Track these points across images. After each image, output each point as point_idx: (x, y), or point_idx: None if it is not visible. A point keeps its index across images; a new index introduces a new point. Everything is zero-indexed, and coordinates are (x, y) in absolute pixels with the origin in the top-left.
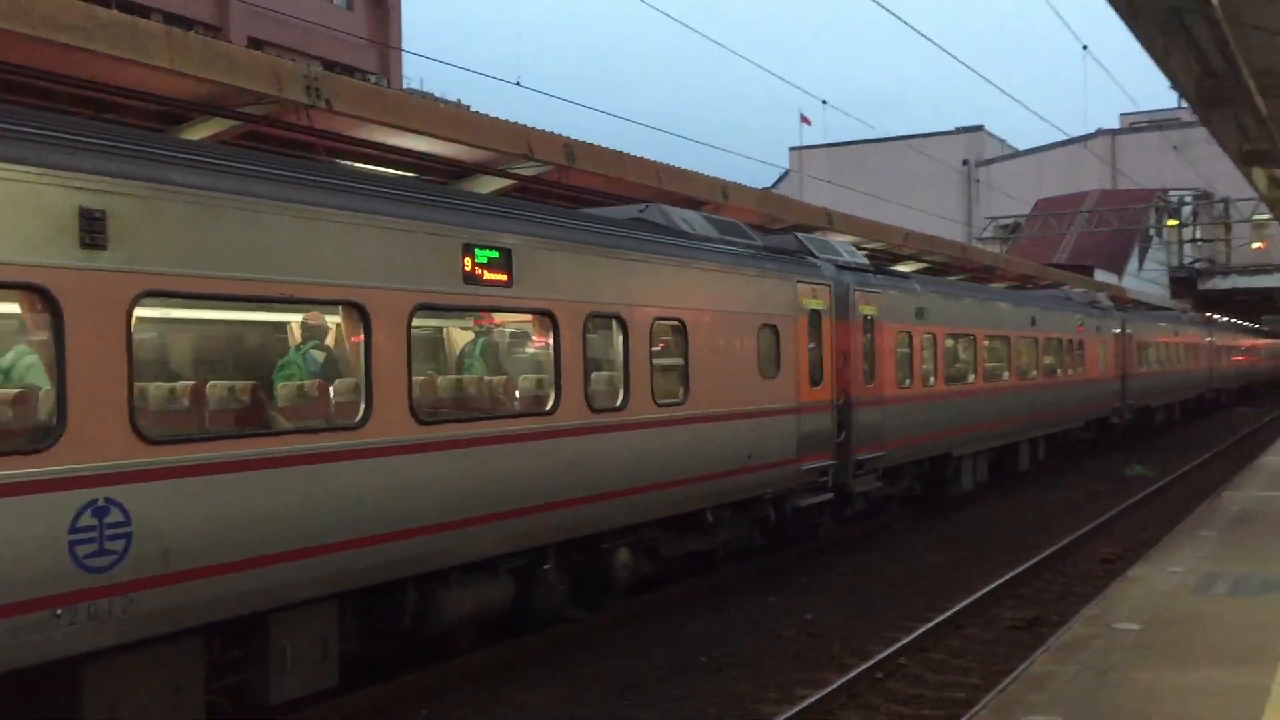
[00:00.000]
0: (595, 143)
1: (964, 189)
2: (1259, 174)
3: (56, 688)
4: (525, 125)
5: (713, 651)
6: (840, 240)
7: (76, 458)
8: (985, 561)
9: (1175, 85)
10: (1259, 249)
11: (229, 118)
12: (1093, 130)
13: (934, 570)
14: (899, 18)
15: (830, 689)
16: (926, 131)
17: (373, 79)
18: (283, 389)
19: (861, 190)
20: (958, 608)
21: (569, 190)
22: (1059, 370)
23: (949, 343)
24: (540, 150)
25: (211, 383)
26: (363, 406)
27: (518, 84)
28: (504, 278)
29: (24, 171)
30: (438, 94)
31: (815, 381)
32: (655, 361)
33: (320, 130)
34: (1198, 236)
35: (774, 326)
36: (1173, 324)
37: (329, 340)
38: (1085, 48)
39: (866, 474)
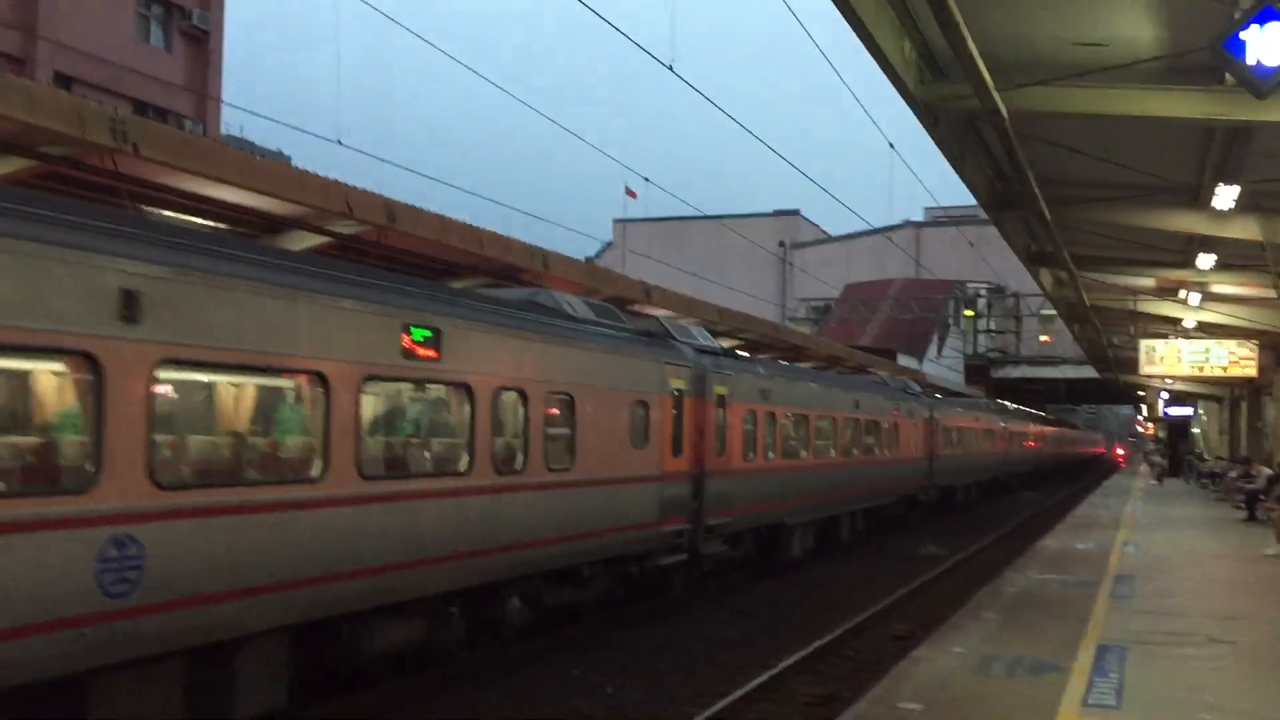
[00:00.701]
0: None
1: (778, 269)
2: (1044, 274)
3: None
4: (344, 183)
5: None
6: (693, 325)
7: (109, 499)
8: (782, 636)
9: (970, 187)
10: (1045, 341)
11: (27, 156)
12: (900, 221)
13: (731, 644)
14: (712, 102)
15: None
16: (745, 212)
17: (188, 124)
18: (264, 443)
19: (681, 266)
20: (754, 684)
21: (388, 251)
22: (877, 449)
23: (786, 421)
24: (360, 209)
25: (211, 437)
26: (319, 463)
27: (339, 142)
28: (434, 354)
29: (80, 254)
30: (257, 142)
31: (676, 452)
32: (548, 430)
33: (125, 175)
34: (991, 327)
35: (645, 402)
36: (973, 410)
37: (302, 404)
38: (891, 145)
39: (715, 538)
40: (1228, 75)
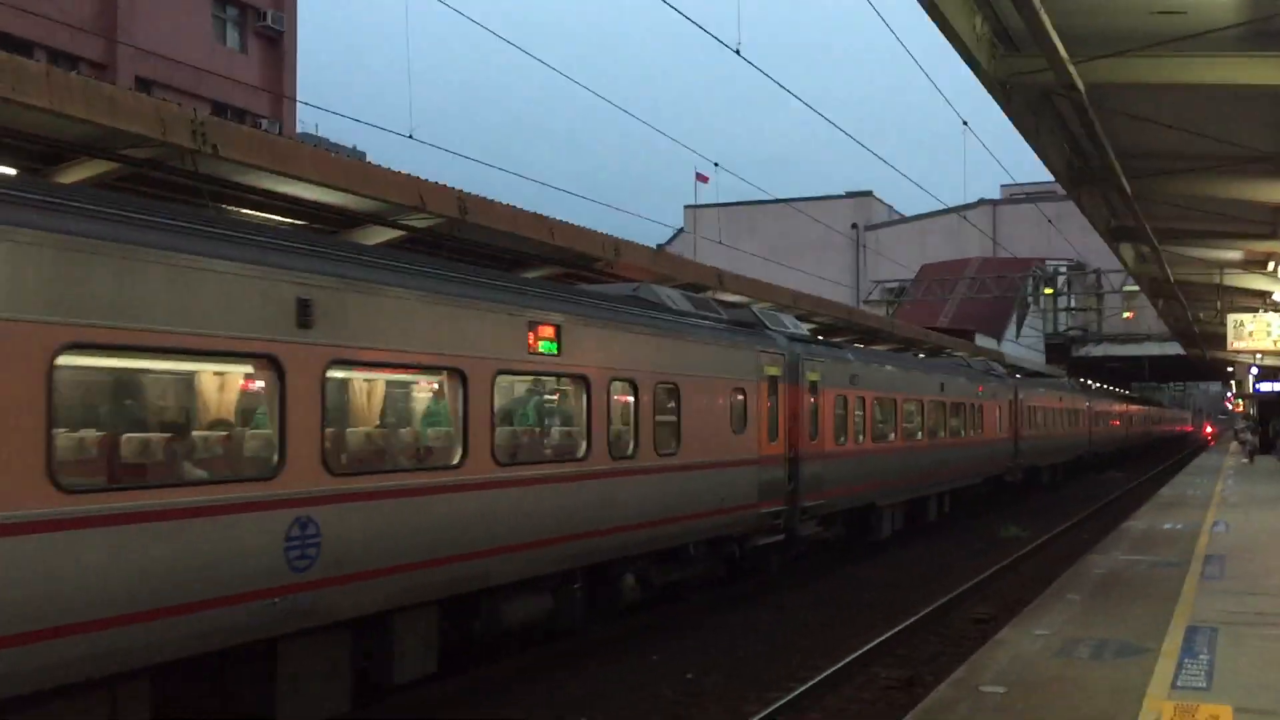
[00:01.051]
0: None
1: (852, 252)
2: (1126, 249)
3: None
4: (417, 177)
5: (592, 711)
6: (784, 314)
7: (292, 484)
8: (864, 619)
9: (1046, 163)
10: (1129, 319)
11: (110, 159)
12: (975, 200)
13: (813, 629)
14: (780, 84)
15: None
16: (817, 195)
17: (265, 124)
18: (413, 434)
19: (753, 251)
20: (835, 668)
21: (461, 243)
22: (962, 431)
23: (875, 405)
24: (433, 202)
25: (369, 428)
26: (460, 450)
27: (410, 136)
28: (556, 349)
29: (265, 270)
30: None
31: (772, 437)
32: (656, 418)
33: (206, 176)
34: (1072, 305)
35: (742, 389)
36: (1056, 390)
37: (444, 398)
38: (965, 123)
39: (809, 519)
40: None
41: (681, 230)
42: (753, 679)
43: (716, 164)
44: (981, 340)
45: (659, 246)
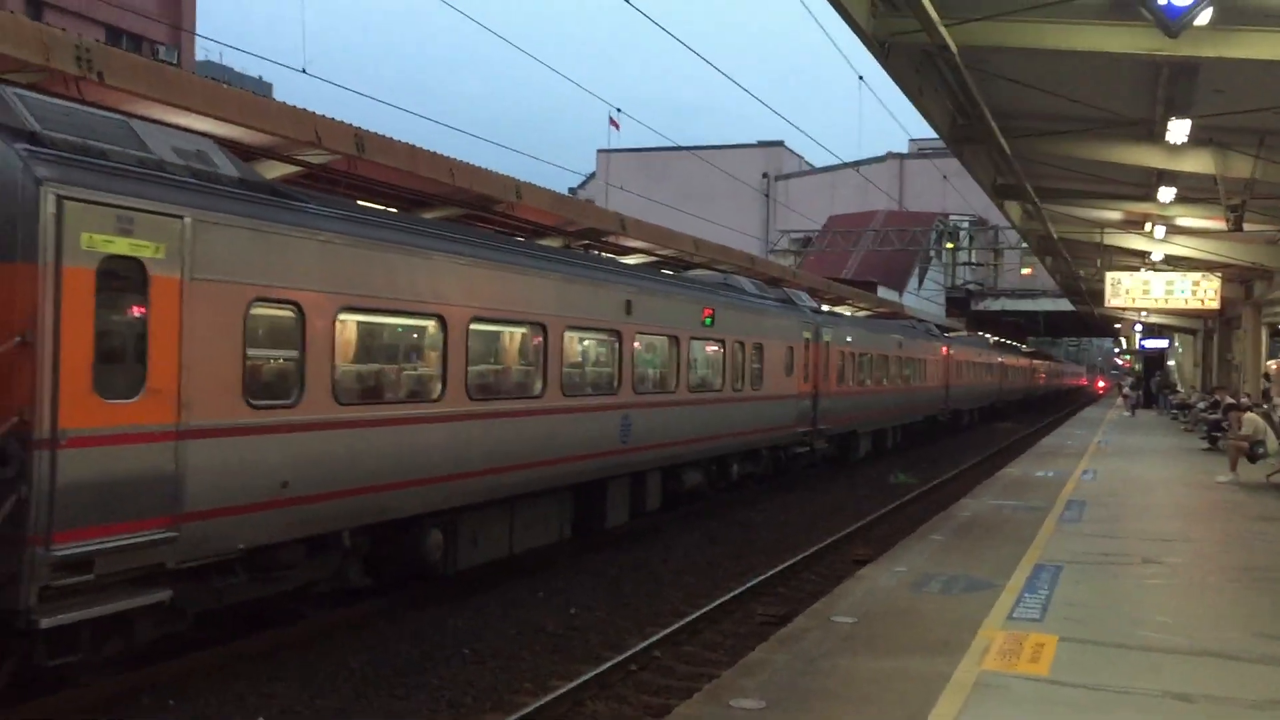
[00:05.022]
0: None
1: (762, 202)
2: (1012, 206)
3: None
4: (313, 112)
5: (474, 644)
6: (804, 294)
7: (623, 396)
8: (747, 560)
9: (930, 121)
10: (1027, 275)
11: None
12: (883, 154)
13: (699, 568)
14: (681, 41)
15: (582, 680)
16: (729, 143)
17: (162, 51)
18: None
19: (664, 199)
20: (715, 604)
21: (358, 181)
22: (912, 379)
23: (860, 358)
24: (329, 138)
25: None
26: (684, 385)
27: (304, 71)
28: (711, 323)
29: (616, 286)
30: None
31: (804, 380)
32: (752, 366)
33: (90, 103)
34: (973, 260)
35: (791, 347)
36: (976, 347)
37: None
38: (861, 78)
39: (822, 438)
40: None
41: (593, 176)
42: (634, 614)
43: (620, 109)
44: (883, 292)
45: (571, 191)
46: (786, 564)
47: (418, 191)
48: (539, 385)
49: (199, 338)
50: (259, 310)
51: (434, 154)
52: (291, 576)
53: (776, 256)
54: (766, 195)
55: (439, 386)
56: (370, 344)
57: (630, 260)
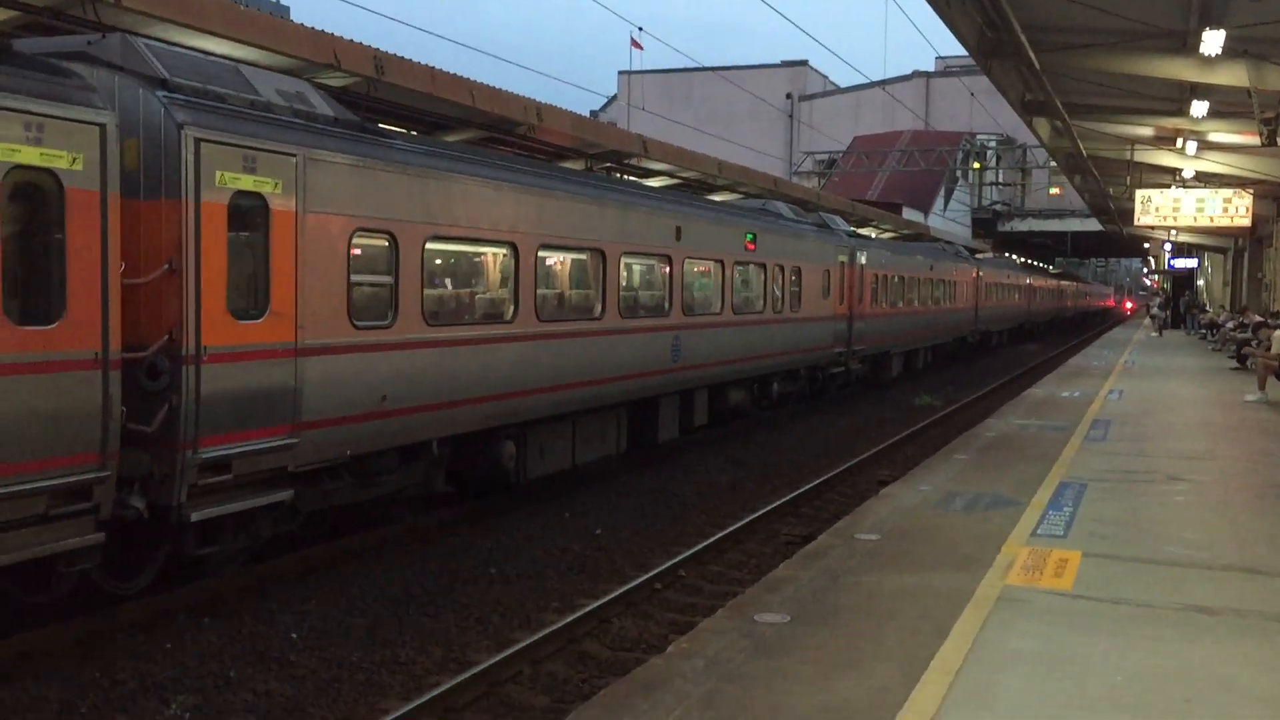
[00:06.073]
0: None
1: (786, 123)
2: (1040, 123)
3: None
4: (332, 34)
5: (502, 565)
6: (839, 218)
7: (674, 318)
8: (772, 482)
9: (957, 35)
10: (1056, 194)
11: (10, 7)
12: (909, 72)
13: (721, 490)
14: None
15: (608, 598)
16: (753, 64)
17: None
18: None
19: (687, 122)
20: (739, 524)
21: (378, 104)
22: (943, 301)
23: (893, 281)
24: (348, 60)
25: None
26: (727, 307)
27: None
28: (754, 247)
29: (667, 213)
30: None
31: (840, 302)
32: (791, 289)
33: (108, 26)
34: (1000, 180)
35: (828, 270)
36: (1005, 269)
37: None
38: None
39: (856, 359)
40: None
41: (614, 98)
42: (659, 535)
43: (641, 29)
44: (908, 214)
45: (592, 114)
46: (811, 484)
47: (437, 114)
48: (598, 308)
49: (311, 265)
50: (359, 240)
51: (454, 76)
52: (388, 482)
53: (800, 179)
54: (791, 116)
55: (511, 309)
56: (453, 270)
57: (653, 183)
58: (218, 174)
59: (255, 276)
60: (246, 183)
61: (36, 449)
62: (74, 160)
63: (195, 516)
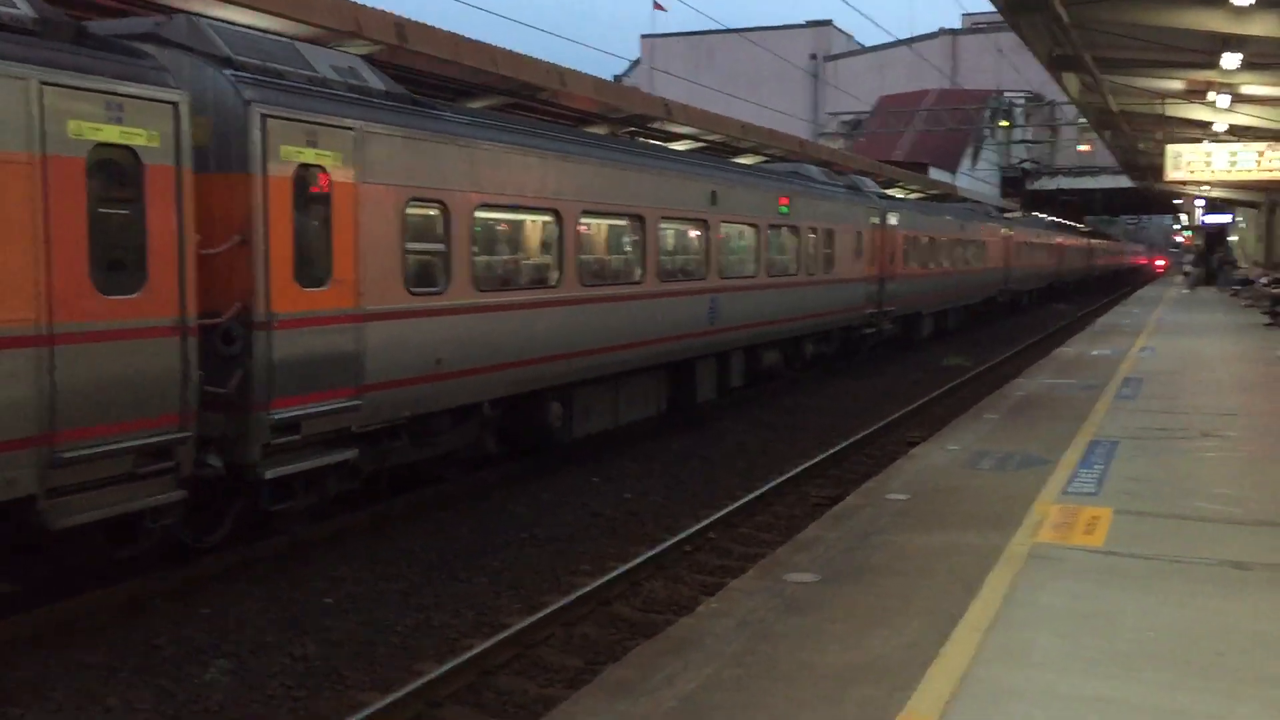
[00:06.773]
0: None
1: (810, 84)
2: (1070, 79)
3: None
4: (354, 1)
5: (534, 529)
6: (870, 180)
7: (710, 280)
8: (800, 444)
9: None
10: (1085, 151)
11: None
12: (935, 30)
13: (750, 453)
14: None
15: (639, 561)
16: (776, 24)
17: None
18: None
19: (710, 84)
20: (768, 486)
21: (400, 71)
22: (972, 262)
23: (923, 242)
24: (370, 28)
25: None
26: (762, 270)
27: None
28: (788, 211)
29: (702, 178)
30: None
31: (871, 263)
32: (823, 251)
33: (156, 6)
34: (1028, 138)
35: (860, 232)
36: (1035, 228)
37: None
38: None
39: (887, 320)
40: None
41: (638, 62)
42: (691, 497)
43: None
44: (936, 173)
45: (615, 79)
46: (840, 446)
47: (460, 81)
48: (639, 272)
49: (369, 234)
50: (413, 209)
51: (477, 42)
52: (442, 443)
53: (825, 140)
54: (815, 77)
55: (556, 274)
56: (501, 237)
57: (678, 146)
58: (282, 148)
59: (319, 246)
60: (309, 156)
61: (124, 411)
62: (151, 137)
63: (269, 474)
